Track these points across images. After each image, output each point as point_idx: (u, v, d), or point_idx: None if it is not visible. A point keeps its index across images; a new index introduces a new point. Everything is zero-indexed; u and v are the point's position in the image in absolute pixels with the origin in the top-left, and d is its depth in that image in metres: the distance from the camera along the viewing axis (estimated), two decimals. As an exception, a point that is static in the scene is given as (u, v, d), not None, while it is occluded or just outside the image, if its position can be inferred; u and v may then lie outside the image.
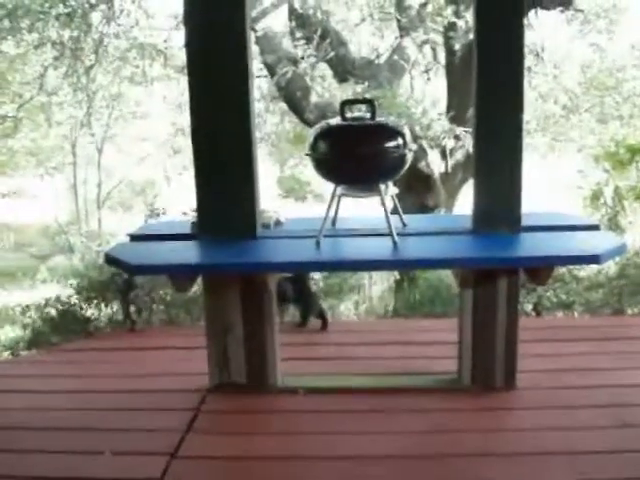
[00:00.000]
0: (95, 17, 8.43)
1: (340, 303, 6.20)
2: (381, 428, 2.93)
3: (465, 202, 7.63)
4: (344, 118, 2.94)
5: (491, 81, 3.03)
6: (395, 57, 7.63)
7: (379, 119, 2.98)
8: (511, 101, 3.01)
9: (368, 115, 2.95)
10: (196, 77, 3.08)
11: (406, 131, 2.96)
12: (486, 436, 2.86)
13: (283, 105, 8.61)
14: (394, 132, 2.93)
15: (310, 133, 3.00)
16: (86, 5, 7.90)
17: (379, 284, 6.72)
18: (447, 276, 5.48)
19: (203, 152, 3.10)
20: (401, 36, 7.95)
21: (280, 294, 4.11)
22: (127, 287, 4.18)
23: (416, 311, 5.64)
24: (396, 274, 6.50)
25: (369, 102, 2.98)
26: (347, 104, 2.98)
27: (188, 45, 3.09)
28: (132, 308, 4.27)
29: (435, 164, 6.98)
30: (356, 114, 3.06)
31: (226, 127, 3.05)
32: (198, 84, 3.08)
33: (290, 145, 11.63)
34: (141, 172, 14.20)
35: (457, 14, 6.98)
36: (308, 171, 12.85)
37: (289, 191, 14.00)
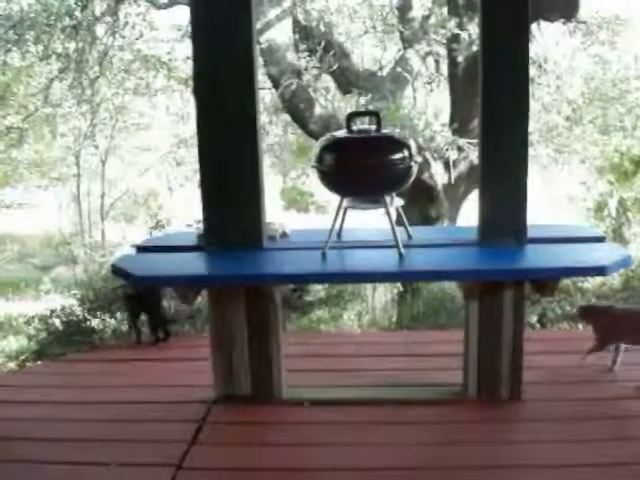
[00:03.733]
0: (100, 29, 8.49)
1: (343, 314, 6.20)
2: (386, 440, 2.93)
3: (468, 214, 7.64)
4: (350, 130, 2.95)
5: (496, 93, 3.05)
6: (398, 69, 7.65)
7: (385, 131, 3.00)
8: (516, 113, 3.03)
9: (373, 127, 2.96)
10: (202, 89, 3.11)
11: (412, 143, 2.97)
12: (492, 448, 2.86)
13: (286, 117, 8.64)
14: (400, 144, 2.94)
15: (316, 145, 3.02)
16: (91, 18, 7.95)
17: (382, 295, 6.72)
18: (451, 287, 5.49)
19: (209, 164, 3.11)
20: (404, 48, 7.97)
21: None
22: (138, 301, 4.16)
23: (420, 322, 5.63)
24: (399, 285, 6.50)
25: (375, 114, 2.99)
26: (353, 116, 2.99)
27: (195, 57, 3.11)
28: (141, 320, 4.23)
29: (438, 176, 6.99)
30: (362, 126, 3.07)
31: (232, 139, 3.07)
32: (204, 96, 3.10)
33: (293, 156, 11.65)
34: (144, 183, 14.22)
35: (460, 26, 7.00)
36: (311, 182, 12.88)
37: (291, 202, 14.01)
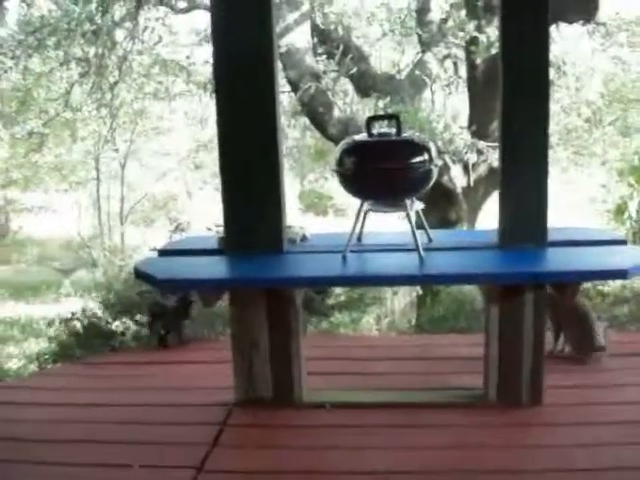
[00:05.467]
0: (119, 34, 8.57)
1: (362, 318, 6.20)
2: (406, 443, 2.92)
3: (487, 217, 7.61)
4: (370, 134, 2.95)
5: (516, 95, 3.04)
6: (417, 72, 7.65)
7: (405, 134, 3.00)
8: (537, 115, 3.02)
9: (394, 130, 2.97)
10: (223, 93, 3.12)
11: (432, 146, 2.97)
12: (512, 452, 2.84)
13: (304, 120, 8.67)
14: (420, 147, 2.95)
15: (336, 149, 3.03)
16: (111, 23, 8.02)
17: (401, 299, 6.71)
18: (470, 290, 5.47)
19: (230, 168, 3.13)
20: (422, 51, 7.98)
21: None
22: (161, 306, 4.18)
23: (439, 326, 5.62)
24: (418, 288, 6.49)
25: (395, 118, 2.99)
26: (373, 120, 3.00)
27: (215, 61, 3.13)
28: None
29: (457, 179, 6.98)
30: (382, 130, 3.07)
31: (253, 143, 3.08)
32: (225, 100, 3.11)
33: (311, 160, 11.68)
34: (163, 187, 14.33)
35: (479, 29, 6.99)
36: (329, 185, 12.91)
37: (309, 206, 14.04)
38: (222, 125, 3.13)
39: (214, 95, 3.18)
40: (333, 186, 12.89)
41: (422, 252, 2.92)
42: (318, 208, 14.07)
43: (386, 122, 3.45)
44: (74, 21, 7.57)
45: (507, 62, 3.06)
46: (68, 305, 8.86)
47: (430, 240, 3.19)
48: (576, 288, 3.01)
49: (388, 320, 6.49)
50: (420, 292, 6.55)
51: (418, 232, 2.99)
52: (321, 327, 5.47)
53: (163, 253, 3.30)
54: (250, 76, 3.06)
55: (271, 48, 3.06)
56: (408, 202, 2.94)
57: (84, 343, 4.72)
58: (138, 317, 4.76)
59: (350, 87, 7.89)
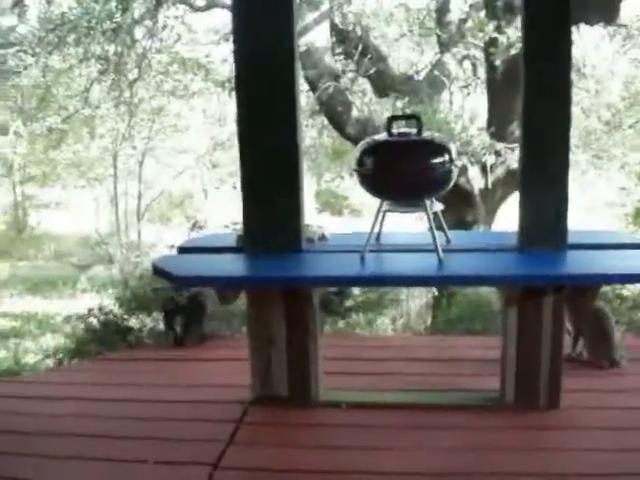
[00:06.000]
0: (138, 32, 8.60)
1: (377, 318, 6.18)
2: (422, 445, 2.92)
3: (504, 219, 7.57)
4: (390, 133, 2.95)
5: (538, 96, 3.02)
6: (435, 72, 7.62)
7: (425, 134, 2.99)
8: (558, 117, 3.01)
9: (414, 131, 2.96)
10: (243, 92, 3.13)
11: (452, 147, 2.96)
12: (529, 455, 2.82)
13: (321, 120, 8.66)
14: (441, 148, 2.94)
15: (356, 148, 3.02)
16: (130, 21, 8.06)
17: (417, 300, 6.69)
18: (487, 293, 5.44)
19: (250, 166, 3.13)
20: (441, 52, 7.95)
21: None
22: (176, 304, 4.19)
23: (455, 328, 5.60)
24: (434, 290, 6.46)
25: (415, 118, 2.98)
26: (394, 120, 2.99)
27: (236, 60, 3.14)
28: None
29: (475, 180, 6.95)
30: (402, 129, 3.07)
31: (273, 142, 3.08)
32: (245, 98, 3.12)
33: (328, 159, 11.67)
34: (179, 185, 14.37)
35: (498, 29, 6.95)
36: (345, 185, 12.88)
37: (325, 205, 14.03)
38: (242, 123, 3.13)
39: (234, 93, 3.19)
40: (349, 186, 12.89)
41: (441, 253, 2.91)
42: (334, 208, 14.06)
43: (404, 122, 3.44)
44: (94, 19, 7.61)
45: (529, 63, 3.04)
46: (84, 301, 8.92)
47: (449, 241, 3.18)
48: (596, 291, 2.98)
49: (403, 321, 6.47)
50: (436, 293, 6.53)
51: (437, 233, 2.97)
52: (337, 327, 5.47)
53: (182, 250, 3.31)
54: (271, 75, 3.06)
55: (292, 47, 3.06)
56: (428, 202, 2.93)
57: (101, 339, 4.74)
58: (154, 314, 4.79)
59: (368, 87, 7.87)
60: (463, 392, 3.36)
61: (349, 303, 5.31)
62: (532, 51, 3.05)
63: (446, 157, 2.90)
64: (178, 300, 4.10)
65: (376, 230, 3.07)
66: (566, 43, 3.01)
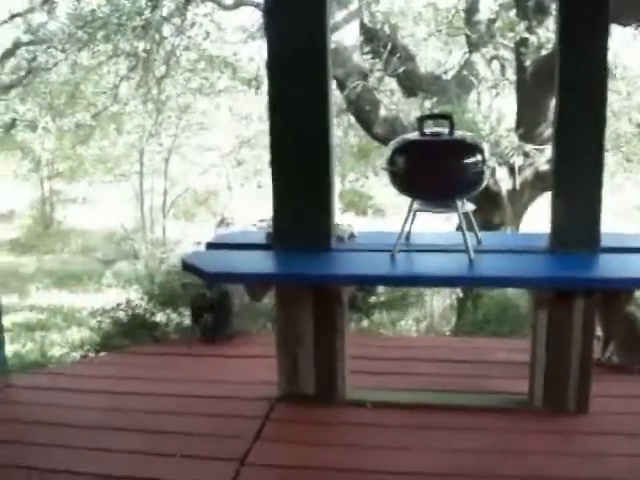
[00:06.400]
0: (166, 29, 8.66)
1: (401, 319, 6.17)
2: (448, 446, 2.90)
3: (531, 221, 7.52)
4: (422, 133, 2.94)
5: (573, 98, 2.99)
6: (464, 72, 7.59)
7: (457, 134, 2.97)
8: (593, 118, 2.97)
9: (446, 130, 2.94)
10: (275, 89, 3.13)
11: (485, 147, 2.94)
12: (556, 460, 2.79)
13: (348, 119, 8.66)
14: (473, 148, 2.92)
15: (388, 147, 3.02)
16: (159, 18, 8.11)
17: (441, 301, 6.66)
18: (514, 295, 5.41)
19: (281, 164, 3.14)
20: (470, 51, 7.91)
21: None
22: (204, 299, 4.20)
23: (481, 330, 5.56)
24: (459, 291, 6.43)
25: (448, 117, 2.97)
26: (425, 119, 2.98)
27: (269, 57, 3.14)
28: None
29: (503, 181, 6.91)
30: (434, 129, 3.05)
31: (305, 139, 3.08)
32: (277, 96, 3.12)
33: (353, 159, 11.65)
34: (204, 182, 14.44)
35: (529, 29, 6.90)
36: (369, 185, 12.86)
37: (349, 205, 14.00)
38: (274, 121, 3.13)
39: (266, 91, 3.19)
40: (373, 186, 12.86)
41: (472, 254, 2.89)
42: (358, 207, 14.03)
43: (434, 122, 3.42)
44: (124, 15, 7.67)
45: (564, 63, 3.01)
46: (109, 295, 9.00)
47: (479, 242, 3.16)
48: (629, 296, 2.95)
49: (427, 322, 6.45)
50: (460, 295, 6.50)
51: (467, 234, 2.96)
52: (361, 326, 5.46)
53: (211, 246, 3.32)
54: (303, 73, 3.06)
55: (324, 46, 3.06)
56: (459, 203, 2.92)
57: (127, 333, 4.77)
58: (181, 309, 4.80)
59: (396, 86, 7.86)
60: (490, 394, 3.33)
61: (372, 299, 5.29)
62: (567, 51, 3.01)
63: (479, 157, 2.88)
64: (207, 296, 4.11)
65: (406, 230, 3.06)
66: (602, 43, 2.97)
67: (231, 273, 3.01)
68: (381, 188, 12.69)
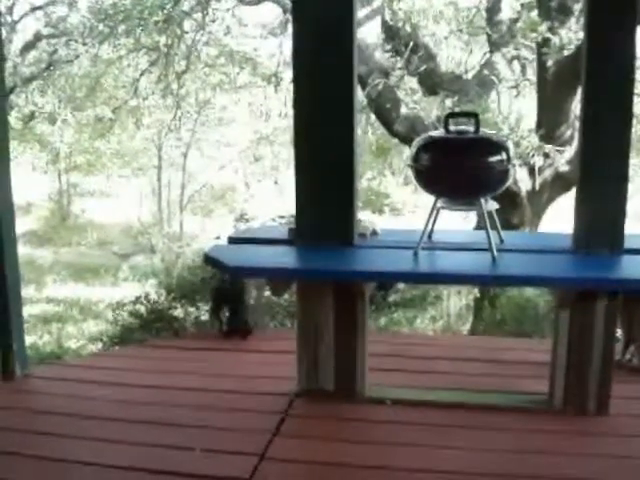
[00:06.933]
0: (187, 24, 8.67)
1: (418, 316, 6.17)
2: (465, 444, 2.89)
3: (549, 222, 7.48)
4: (448, 131, 2.93)
5: (599, 99, 2.98)
6: (485, 72, 7.56)
7: (482, 133, 2.97)
8: (619, 119, 2.96)
9: (471, 129, 2.93)
10: (301, 85, 3.13)
11: (510, 146, 2.93)
12: (575, 461, 2.78)
13: (366, 117, 8.64)
14: (498, 146, 2.92)
15: (413, 144, 3.01)
16: (181, 12, 8.13)
17: (457, 301, 6.66)
18: (533, 295, 5.39)
19: (304, 160, 3.14)
20: (491, 51, 7.88)
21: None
22: (223, 293, 4.21)
23: (498, 329, 5.55)
24: (476, 291, 6.42)
25: (474, 115, 2.96)
26: (451, 117, 2.98)
27: (294, 53, 3.14)
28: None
29: (523, 182, 6.88)
30: (459, 127, 3.04)
31: (329, 136, 3.08)
32: (302, 93, 3.12)
33: (372, 157, 11.65)
34: (222, 177, 14.49)
35: (551, 30, 6.86)
36: (386, 183, 12.86)
37: (366, 203, 14.00)
38: (298, 117, 3.14)
39: (291, 87, 3.19)
40: (390, 184, 12.85)
41: (495, 252, 2.89)
42: (374, 206, 14.02)
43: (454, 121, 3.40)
44: (146, 10, 7.70)
45: (590, 64, 2.99)
46: (126, 289, 9.06)
47: (502, 241, 3.15)
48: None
49: (443, 322, 6.45)
50: (477, 295, 6.49)
51: (491, 232, 2.95)
52: (378, 324, 5.47)
53: (233, 241, 3.33)
54: (329, 69, 3.06)
55: (351, 42, 3.06)
56: (483, 201, 2.91)
57: (146, 326, 4.81)
58: (199, 303, 4.83)
59: (416, 85, 7.84)
60: (509, 394, 3.32)
61: (392, 298, 5.30)
62: (594, 52, 2.99)
63: (503, 156, 2.87)
64: (226, 290, 4.12)
65: (429, 228, 3.05)
66: (630, 44, 2.95)
67: (253, 267, 3.02)
68: (398, 187, 12.69)
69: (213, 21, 8.66)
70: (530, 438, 2.96)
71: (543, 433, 3.00)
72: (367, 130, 9.70)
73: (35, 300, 9.80)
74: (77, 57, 9.61)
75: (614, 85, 2.94)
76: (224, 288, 4.13)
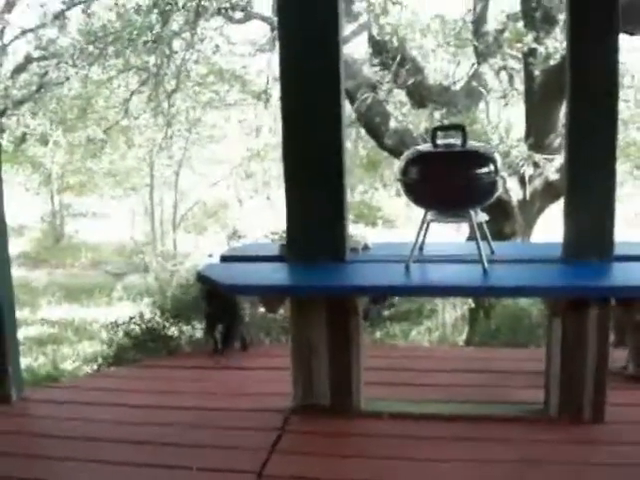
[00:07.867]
0: (176, 44, 8.72)
1: (413, 329, 6.17)
2: (464, 456, 2.89)
3: (541, 231, 7.51)
4: (435, 144, 2.95)
5: (584, 107, 3.01)
6: (473, 83, 7.62)
7: (469, 145, 2.99)
8: (605, 127, 2.99)
9: (458, 142, 2.96)
10: (288, 101, 3.15)
11: (497, 157, 2.96)
12: (572, 469, 2.78)
13: (356, 131, 8.69)
14: (486, 158, 2.94)
15: (402, 158, 3.03)
16: (170, 32, 8.17)
17: (452, 312, 6.66)
18: (527, 305, 5.40)
19: (294, 175, 3.16)
20: (478, 62, 7.94)
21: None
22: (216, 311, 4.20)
23: (492, 340, 5.56)
24: (471, 302, 6.43)
25: (461, 128, 2.98)
26: (439, 130, 3.00)
27: (281, 69, 3.16)
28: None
29: (513, 191, 6.92)
30: (447, 140, 3.07)
31: (318, 152, 3.11)
32: (290, 108, 3.15)
33: (362, 170, 11.69)
34: (214, 195, 14.52)
35: (537, 40, 6.93)
36: (378, 196, 12.88)
37: (359, 216, 14.03)
38: (286, 133, 3.15)
39: (279, 103, 3.22)
40: (382, 197, 12.88)
41: (486, 264, 2.90)
42: (367, 219, 14.05)
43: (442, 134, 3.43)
44: (135, 30, 7.74)
45: (574, 72, 3.03)
46: (120, 309, 9.04)
47: (492, 252, 3.17)
48: (643, 304, 2.95)
49: (439, 333, 6.45)
50: (472, 306, 6.50)
51: (481, 244, 2.96)
52: (373, 337, 5.47)
53: (225, 259, 3.34)
54: (316, 85, 3.08)
55: (337, 57, 3.08)
56: (472, 213, 2.93)
57: (141, 346, 4.80)
58: (193, 322, 4.82)
59: (405, 98, 7.89)
60: (505, 404, 3.32)
61: (387, 313, 5.31)
62: (577, 60, 3.03)
63: (491, 168, 2.90)
64: (220, 309, 4.11)
65: (419, 240, 3.07)
66: (612, 51, 2.98)
67: (247, 285, 3.03)
68: (390, 199, 12.72)
69: (202, 40, 8.70)
70: (528, 448, 2.95)
71: (540, 443, 3.00)
72: (357, 144, 9.74)
73: (30, 322, 9.77)
74: (68, 79, 9.62)
75: (597, 96, 2.97)
76: (217, 307, 4.12)
